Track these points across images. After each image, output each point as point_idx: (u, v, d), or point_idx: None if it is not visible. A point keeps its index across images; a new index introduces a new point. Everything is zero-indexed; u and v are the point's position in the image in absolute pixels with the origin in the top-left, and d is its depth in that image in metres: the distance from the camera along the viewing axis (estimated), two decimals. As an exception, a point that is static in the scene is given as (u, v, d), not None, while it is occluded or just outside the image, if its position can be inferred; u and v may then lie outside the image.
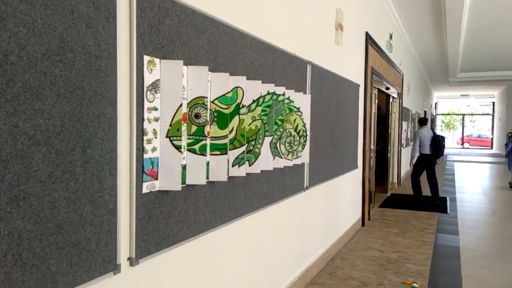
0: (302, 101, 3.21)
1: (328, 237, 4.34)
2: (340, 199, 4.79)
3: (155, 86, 1.72)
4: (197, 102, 1.94)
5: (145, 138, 1.68)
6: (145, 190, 1.69)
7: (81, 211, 1.41)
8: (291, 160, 2.99)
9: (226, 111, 2.12)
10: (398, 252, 4.59)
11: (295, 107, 3.10)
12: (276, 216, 3.03)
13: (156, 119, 1.74)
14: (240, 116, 2.28)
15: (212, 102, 2.10)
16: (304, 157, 3.30)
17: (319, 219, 4.05)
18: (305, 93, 3.37)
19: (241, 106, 2.28)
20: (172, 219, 1.87)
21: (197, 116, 1.94)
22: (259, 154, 2.51)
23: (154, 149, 1.73)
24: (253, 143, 2.48)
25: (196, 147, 1.95)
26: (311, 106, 3.54)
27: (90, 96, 1.42)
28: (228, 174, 2.28)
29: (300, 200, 3.49)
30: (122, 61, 1.58)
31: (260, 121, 2.49)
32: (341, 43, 4.47)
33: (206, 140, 1.96)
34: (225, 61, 2.23)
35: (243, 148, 2.30)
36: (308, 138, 3.46)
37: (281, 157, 2.83)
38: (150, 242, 1.74)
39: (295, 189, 3.30)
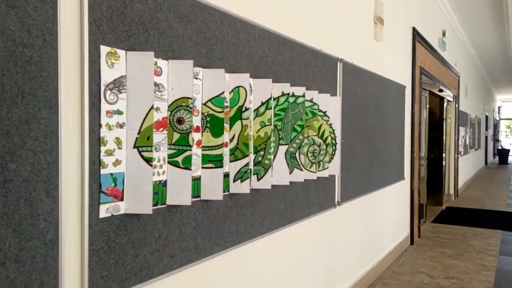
0: (330, 103, 2.76)
1: (366, 259, 3.82)
2: (382, 215, 4.24)
3: (118, 84, 1.38)
4: (180, 105, 1.58)
5: (103, 148, 1.34)
6: (103, 214, 1.35)
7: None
8: (315, 172, 2.56)
9: (220, 115, 1.75)
10: (451, 278, 3.97)
11: (320, 110, 2.67)
12: (298, 237, 2.60)
13: (121, 125, 1.40)
14: (243, 121, 1.90)
15: (204, 104, 1.74)
16: (333, 168, 2.84)
17: (355, 239, 3.56)
18: (334, 94, 2.92)
19: (243, 109, 1.90)
20: (146, 249, 1.51)
21: (180, 121, 1.58)
22: (270, 166, 2.10)
23: (117, 163, 1.39)
24: (262, 153, 2.08)
25: (179, 159, 1.59)
26: (343, 109, 3.08)
27: (14, 95, 1.10)
28: (228, 191, 1.90)
29: (330, 218, 3.03)
30: (68, 52, 1.25)
31: (271, 127, 2.09)
32: (381, 39, 3.96)
33: (191, 150, 1.59)
34: (223, 56, 1.86)
35: (247, 160, 1.91)
36: (339, 146, 3.00)
37: (301, 169, 2.41)
38: (112, 278, 1.39)
39: (323, 205, 2.85)
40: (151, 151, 1.42)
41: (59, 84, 1.21)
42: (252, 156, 2.05)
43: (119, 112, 1.39)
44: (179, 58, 1.63)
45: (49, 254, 1.20)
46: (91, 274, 1.32)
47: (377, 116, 3.81)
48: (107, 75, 1.35)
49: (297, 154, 2.39)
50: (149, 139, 1.42)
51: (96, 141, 1.32)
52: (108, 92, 1.35)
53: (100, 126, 1.33)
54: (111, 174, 1.37)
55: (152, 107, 1.42)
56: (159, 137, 1.54)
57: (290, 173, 2.38)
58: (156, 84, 1.52)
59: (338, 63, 3.03)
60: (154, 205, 1.54)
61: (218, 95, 1.75)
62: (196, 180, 1.73)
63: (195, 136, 1.72)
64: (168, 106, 1.57)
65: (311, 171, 2.54)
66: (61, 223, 1.23)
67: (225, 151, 1.88)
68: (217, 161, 1.75)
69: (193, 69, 1.62)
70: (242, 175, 1.91)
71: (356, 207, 3.51)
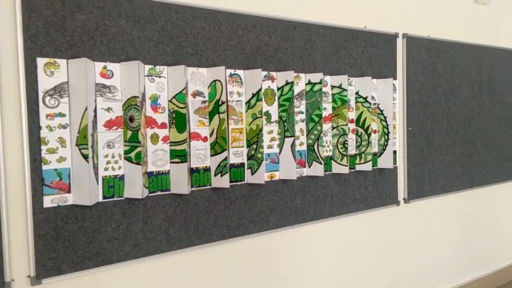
0: (374, 88, 2.44)
1: (471, 267, 3.21)
2: (499, 216, 3.48)
3: (60, 90, 1.56)
4: (130, 104, 1.68)
5: (44, 147, 1.54)
6: (48, 204, 1.56)
7: None
8: (346, 165, 2.30)
9: (183, 111, 1.77)
10: None
11: (360, 96, 2.39)
12: (329, 236, 2.40)
13: (64, 126, 1.57)
14: (220, 115, 1.88)
15: (170, 101, 1.79)
16: (386, 161, 2.51)
17: (444, 243, 3.03)
18: (391, 76, 2.55)
19: (220, 103, 1.87)
20: (101, 236, 1.67)
21: (131, 119, 1.68)
22: (263, 160, 2.01)
23: (61, 160, 1.57)
24: (254, 146, 2.01)
25: (132, 155, 1.69)
26: (408, 93, 2.66)
27: None
28: (210, 185, 1.92)
29: (390, 217, 2.68)
30: (5, 66, 1.48)
31: (262, 119, 1.99)
32: (488, 0, 3.22)
33: (141, 146, 1.67)
34: (197, 51, 1.87)
35: (225, 154, 1.88)
36: (401, 135, 2.63)
37: (320, 163, 2.21)
38: (62, 260, 1.59)
39: (375, 202, 2.54)
40: (87, 148, 1.56)
41: (-6, 95, 1.45)
42: (244, 150, 2.00)
43: (61, 115, 1.57)
44: (136, 59, 1.72)
45: (-8, 236, 1.46)
46: (37, 255, 1.54)
47: (480, 96, 3.14)
48: (46, 83, 1.54)
49: (315, 146, 2.21)
50: (85, 138, 1.56)
51: (36, 141, 1.53)
52: (48, 97, 1.54)
53: (40, 128, 1.53)
54: (55, 169, 1.56)
55: (86, 109, 1.55)
56: (113, 135, 1.68)
57: (309, 166, 2.22)
58: (106, 86, 1.65)
59: (400, 39, 2.63)
60: (110, 197, 1.68)
61: (181, 92, 1.77)
62: (165, 175, 1.80)
63: (161, 132, 1.79)
64: (122, 106, 1.69)
65: (341, 165, 2.31)
66: (4, 210, 1.48)
67: (205, 146, 1.90)
68: (182, 156, 1.79)
69: (146, 67, 1.69)
70: (221, 169, 1.89)
71: (443, 205, 2.98)
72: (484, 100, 3.18)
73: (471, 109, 3.08)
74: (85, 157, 1.57)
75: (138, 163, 1.68)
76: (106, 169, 1.67)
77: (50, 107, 1.55)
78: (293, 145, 2.11)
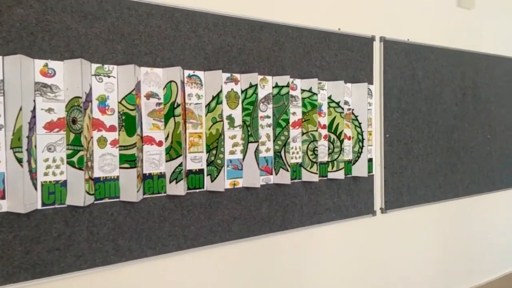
0: (348, 93, 2.34)
1: (451, 280, 3.08)
2: (480, 228, 3.35)
3: (-7, 88, 1.46)
4: (73, 105, 1.57)
5: (-25, 150, 1.43)
6: (-21, 211, 1.45)
7: None
8: (316, 173, 2.19)
9: (133, 113, 1.67)
10: None
11: (332, 101, 2.28)
12: (297, 247, 2.28)
13: (-2, 128, 1.47)
14: (176, 118, 1.77)
15: (120, 102, 1.69)
16: (360, 169, 2.40)
17: (423, 254, 2.91)
18: (366, 81, 2.44)
19: (175, 105, 1.76)
20: (40, 246, 1.55)
21: (74, 121, 1.57)
22: (222, 167, 1.90)
23: (-5, 163, 1.46)
24: (214, 152, 1.90)
25: (75, 159, 1.57)
26: (385, 98, 2.56)
27: None
28: (165, 192, 1.80)
29: (364, 227, 2.56)
30: None
31: (221, 123, 1.88)
32: (473, 5, 3.12)
33: (83, 150, 1.56)
34: (152, 50, 1.77)
35: (180, 160, 1.77)
36: (377, 142, 2.52)
37: (287, 170, 2.10)
38: (-7, 272, 1.47)
39: (349, 212, 2.42)
40: (21, 152, 1.45)
41: None
42: (203, 155, 1.89)
43: (-5, 115, 1.46)
44: (82, 57, 1.61)
45: None
46: (-35, 266, 1.43)
47: (464, 103, 3.03)
48: (-22, 81, 1.43)
49: (282, 153, 2.10)
50: (19, 140, 1.45)
51: (-34, 143, 1.42)
52: (-20, 96, 1.44)
53: (-30, 129, 1.43)
54: (-12, 174, 1.45)
55: (20, 109, 1.44)
56: (54, 137, 1.57)
57: (276, 173, 2.11)
58: (46, 86, 1.55)
59: (375, 42, 2.53)
60: (51, 204, 1.57)
61: (130, 93, 1.67)
62: (114, 181, 1.69)
63: (110, 136, 1.68)
64: (65, 107, 1.58)
65: (311, 172, 2.19)
66: None
67: (159, 150, 1.79)
68: (131, 161, 1.67)
69: (94, 66, 1.59)
70: (176, 176, 1.78)
71: (423, 216, 2.86)
72: (468, 107, 3.07)
73: (453, 116, 2.97)
74: (19, 161, 1.46)
75: (80, 168, 1.57)
76: (46, 174, 1.56)
77: (-17, 107, 1.44)
78: (257, 151, 1.99)
